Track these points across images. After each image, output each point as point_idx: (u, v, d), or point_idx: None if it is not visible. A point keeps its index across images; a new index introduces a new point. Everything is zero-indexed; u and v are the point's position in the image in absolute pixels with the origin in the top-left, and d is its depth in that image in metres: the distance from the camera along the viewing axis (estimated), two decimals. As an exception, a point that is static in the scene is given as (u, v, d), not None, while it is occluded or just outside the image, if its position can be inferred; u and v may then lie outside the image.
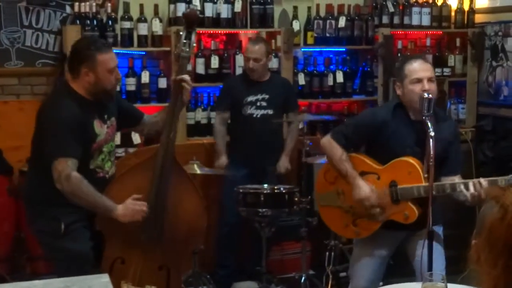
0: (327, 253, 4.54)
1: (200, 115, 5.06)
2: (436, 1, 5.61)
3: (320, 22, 5.39)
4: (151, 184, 3.30)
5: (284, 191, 4.16)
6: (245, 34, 5.26)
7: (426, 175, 3.12)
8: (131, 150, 4.68)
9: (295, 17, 5.36)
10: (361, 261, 3.45)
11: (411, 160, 3.25)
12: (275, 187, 4.21)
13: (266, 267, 4.34)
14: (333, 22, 5.39)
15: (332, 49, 5.55)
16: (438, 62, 5.45)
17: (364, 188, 3.29)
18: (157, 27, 4.91)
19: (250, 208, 4.12)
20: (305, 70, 5.38)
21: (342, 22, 5.39)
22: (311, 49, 5.50)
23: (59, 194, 3.12)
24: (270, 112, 4.67)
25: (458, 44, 5.62)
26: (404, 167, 3.26)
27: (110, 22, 4.77)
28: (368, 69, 5.58)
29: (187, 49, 3.36)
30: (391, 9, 5.46)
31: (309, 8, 5.42)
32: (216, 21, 5.08)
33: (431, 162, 2.97)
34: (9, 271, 4.56)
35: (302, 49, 5.48)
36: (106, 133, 3.29)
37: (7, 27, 4.80)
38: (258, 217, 4.14)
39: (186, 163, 3.97)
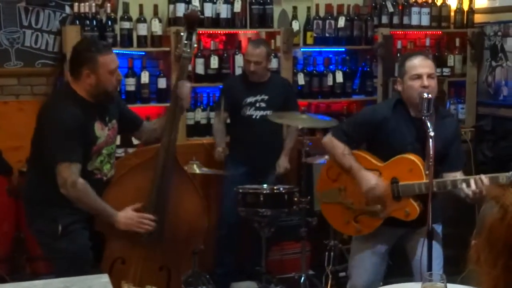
0: (327, 253, 4.54)
1: (199, 115, 5.07)
2: (435, 1, 5.61)
3: (320, 22, 5.39)
4: (152, 184, 3.30)
5: (283, 191, 4.16)
6: (244, 34, 5.26)
7: (427, 172, 3.11)
8: (130, 150, 4.68)
9: (295, 17, 5.36)
10: (360, 259, 3.45)
11: (412, 157, 3.25)
12: (275, 187, 4.21)
13: (265, 267, 4.34)
14: (332, 22, 5.39)
15: (332, 49, 5.55)
16: (438, 62, 5.43)
17: (370, 178, 3.29)
18: (157, 28, 4.91)
19: (249, 208, 4.12)
20: (305, 70, 5.38)
21: (341, 22, 5.39)
22: (310, 49, 5.51)
23: (59, 194, 3.12)
24: (269, 113, 4.67)
25: (457, 44, 5.62)
26: (405, 164, 3.27)
27: (109, 23, 4.77)
28: (368, 69, 5.58)
29: (188, 50, 3.37)
30: (391, 9, 5.46)
31: (308, 8, 5.42)
32: (216, 21, 5.08)
33: (431, 163, 2.97)
34: (9, 271, 4.56)
35: (302, 49, 5.48)
36: (107, 135, 3.29)
37: (6, 28, 4.79)
38: (257, 217, 4.14)
39: (185, 163, 3.97)
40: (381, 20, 5.48)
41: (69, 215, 3.20)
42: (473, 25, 5.61)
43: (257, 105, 4.69)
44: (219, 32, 5.19)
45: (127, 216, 3.22)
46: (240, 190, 4.16)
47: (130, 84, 4.85)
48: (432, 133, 3.00)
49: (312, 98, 5.42)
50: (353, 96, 5.54)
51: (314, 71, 5.42)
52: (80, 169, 3.12)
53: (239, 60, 5.08)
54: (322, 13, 5.42)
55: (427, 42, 5.57)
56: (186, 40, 3.37)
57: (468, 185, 3.09)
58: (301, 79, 5.31)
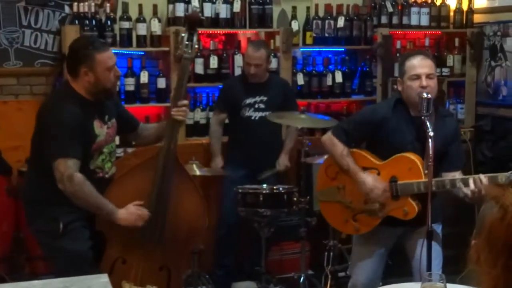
0: (326, 253, 4.54)
1: (199, 115, 5.06)
2: (435, 1, 5.61)
3: (319, 22, 5.39)
4: (152, 184, 3.30)
5: (283, 191, 4.16)
6: (244, 34, 5.26)
7: (426, 171, 3.12)
8: (130, 150, 4.68)
9: (294, 17, 5.36)
10: (361, 258, 3.46)
11: (411, 156, 3.26)
12: (274, 187, 4.21)
13: (265, 267, 4.34)
14: (332, 22, 5.39)
15: (331, 49, 5.55)
16: (437, 62, 5.42)
17: (368, 181, 3.30)
18: (156, 27, 4.90)
19: (249, 208, 4.12)
20: (304, 70, 5.38)
21: (341, 22, 5.38)
22: (310, 49, 5.50)
23: (58, 194, 3.12)
24: (268, 114, 4.68)
25: (457, 44, 5.63)
26: (404, 163, 3.27)
27: (109, 22, 4.77)
28: (367, 69, 5.58)
29: (189, 51, 3.37)
30: (390, 9, 5.46)
31: (308, 8, 5.42)
32: (215, 21, 5.08)
33: (430, 162, 2.97)
34: (8, 271, 4.55)
35: (301, 49, 5.48)
36: (106, 133, 3.29)
37: (5, 27, 4.79)
38: (257, 217, 4.14)
39: (185, 164, 3.97)
40: (380, 20, 5.48)
41: (69, 214, 3.20)
42: (472, 25, 5.62)
43: (256, 106, 4.69)
44: (218, 32, 5.18)
45: (128, 211, 3.22)
46: (240, 190, 4.16)
47: (130, 84, 4.85)
48: (431, 133, 3.00)
49: (312, 98, 5.42)
50: (353, 96, 5.54)
51: (314, 71, 5.42)
52: (78, 165, 3.11)
53: (238, 60, 5.08)
54: (321, 13, 5.42)
55: (427, 42, 5.57)
56: (187, 41, 3.37)
57: (467, 185, 3.09)
58: (300, 79, 5.31)
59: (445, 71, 5.55)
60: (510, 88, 5.31)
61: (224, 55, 5.12)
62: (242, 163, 4.67)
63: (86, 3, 4.72)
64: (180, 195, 3.37)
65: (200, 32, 4.98)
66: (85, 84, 3.19)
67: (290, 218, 4.64)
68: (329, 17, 5.40)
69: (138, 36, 4.90)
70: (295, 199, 4.15)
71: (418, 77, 3.23)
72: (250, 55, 4.60)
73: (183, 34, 3.41)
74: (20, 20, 4.83)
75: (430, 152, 2.96)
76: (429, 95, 3.14)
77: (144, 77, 4.88)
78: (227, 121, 4.83)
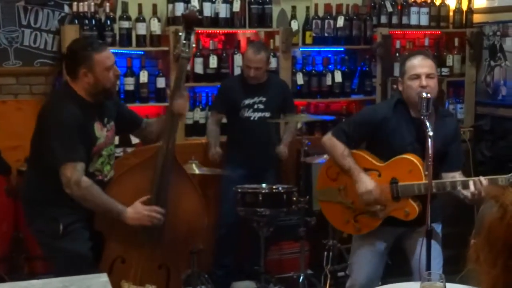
0: (325, 253, 4.54)
1: (198, 115, 5.06)
2: (434, 1, 5.61)
3: (319, 22, 5.39)
4: (151, 183, 3.29)
5: (282, 191, 4.16)
6: (243, 34, 5.26)
7: (426, 173, 3.12)
8: (129, 150, 4.68)
9: (294, 16, 5.36)
10: (360, 257, 3.46)
11: (412, 157, 3.26)
12: (274, 187, 4.21)
13: (264, 266, 4.34)
14: (331, 22, 5.39)
15: (331, 49, 5.55)
16: (437, 62, 5.42)
17: (367, 182, 3.30)
18: (156, 27, 4.91)
19: (248, 207, 4.12)
20: (304, 70, 5.38)
21: (340, 22, 5.39)
22: (309, 49, 5.51)
23: (58, 194, 3.11)
24: (267, 114, 4.68)
25: (456, 44, 5.63)
26: (405, 165, 3.27)
27: (108, 22, 4.77)
28: (367, 68, 5.59)
29: (187, 50, 3.36)
30: (390, 9, 5.46)
31: (307, 8, 5.42)
32: (215, 21, 5.08)
33: (430, 162, 2.97)
34: (8, 271, 4.55)
35: (301, 49, 5.48)
36: (106, 136, 3.28)
37: (5, 27, 4.79)
38: (256, 217, 4.14)
39: (184, 163, 3.97)
40: (380, 20, 5.49)
41: (69, 215, 3.19)
42: (472, 25, 5.62)
43: (255, 106, 4.69)
44: (218, 31, 5.19)
45: (136, 210, 3.21)
46: (239, 190, 4.16)
47: (129, 83, 4.85)
48: (431, 133, 3.00)
49: (311, 97, 5.42)
50: (352, 95, 5.55)
51: (313, 71, 5.42)
52: (84, 168, 3.12)
53: (238, 59, 5.08)
54: (321, 13, 5.42)
55: (426, 42, 5.57)
56: (185, 40, 3.37)
57: (467, 187, 3.10)
58: (300, 79, 5.31)
59: (445, 71, 5.55)
60: (510, 88, 5.31)
61: (224, 54, 5.12)
62: (241, 163, 4.68)
63: (86, 2, 4.72)
64: (179, 194, 3.36)
65: (199, 31, 5.00)
66: (85, 85, 3.19)
67: (290, 217, 4.64)
68: (328, 17, 5.40)
69: (137, 36, 4.91)
70: (294, 198, 4.15)
71: (417, 76, 3.23)
72: (250, 58, 4.59)
73: (180, 33, 3.41)
74: (20, 20, 4.82)
75: (430, 151, 2.97)
76: (429, 95, 3.14)
77: (143, 77, 4.88)
78: (224, 120, 4.83)
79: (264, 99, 4.69)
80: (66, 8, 4.89)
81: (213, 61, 5.04)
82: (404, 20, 5.52)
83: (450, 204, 3.59)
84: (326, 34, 5.40)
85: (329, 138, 3.45)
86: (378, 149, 3.38)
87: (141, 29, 4.89)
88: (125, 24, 4.85)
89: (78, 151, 3.10)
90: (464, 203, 3.21)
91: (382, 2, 5.48)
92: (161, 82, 4.92)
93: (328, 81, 5.40)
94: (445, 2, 5.61)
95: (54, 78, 4.83)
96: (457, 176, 3.26)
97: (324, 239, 4.57)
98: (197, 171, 4.17)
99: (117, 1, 4.92)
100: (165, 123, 3.39)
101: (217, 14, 5.07)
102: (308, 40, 5.39)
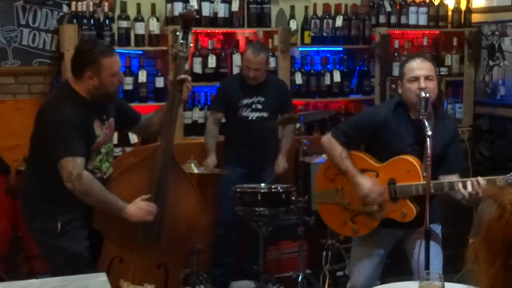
0: (324, 252, 4.54)
1: (197, 115, 5.06)
2: (433, 0, 5.61)
3: (317, 21, 5.39)
4: (150, 183, 3.30)
5: (281, 190, 4.16)
6: (242, 33, 5.26)
7: (425, 174, 3.11)
8: (128, 149, 4.68)
9: (292, 16, 5.36)
10: (360, 259, 3.46)
11: (410, 158, 3.26)
12: (272, 186, 4.22)
13: (263, 266, 4.34)
14: (330, 21, 5.39)
15: (329, 49, 5.55)
16: (435, 61, 5.43)
17: (365, 185, 3.29)
18: (154, 26, 4.90)
19: (247, 207, 4.12)
20: (302, 70, 5.38)
21: (339, 21, 5.39)
22: (308, 49, 5.51)
23: (57, 193, 3.12)
24: (265, 115, 4.69)
25: (455, 43, 5.63)
26: (403, 165, 3.27)
27: (107, 21, 4.76)
28: (365, 68, 5.58)
29: (185, 49, 3.37)
30: (388, 9, 5.46)
31: (306, 7, 5.42)
32: (213, 21, 5.07)
33: (428, 162, 2.97)
34: (6, 270, 4.55)
35: (299, 49, 5.48)
36: (105, 134, 3.28)
37: (4, 26, 4.79)
38: (255, 217, 4.14)
39: (183, 163, 3.97)
40: (378, 20, 5.48)
41: (68, 213, 3.19)
42: (470, 24, 5.62)
43: (254, 106, 4.69)
44: (216, 31, 5.18)
45: (138, 206, 3.21)
46: (238, 189, 4.16)
47: (128, 83, 4.84)
48: (429, 132, 3.00)
49: (310, 97, 5.42)
50: (351, 95, 5.54)
51: (312, 71, 5.42)
52: (84, 163, 3.11)
53: (236, 59, 5.08)
54: (319, 12, 5.42)
55: (425, 41, 5.57)
56: (182, 39, 3.38)
57: (465, 187, 3.09)
58: (298, 79, 5.31)
59: (443, 70, 5.55)
60: (508, 87, 5.31)
61: (222, 54, 5.12)
62: (240, 163, 4.68)
63: (84, 2, 4.71)
64: (178, 193, 3.37)
65: (198, 31, 5.00)
66: (88, 87, 3.19)
67: (288, 217, 4.63)
68: (327, 17, 5.39)
69: (136, 35, 4.90)
70: (293, 198, 4.15)
71: (416, 78, 3.23)
72: (250, 59, 4.59)
73: (178, 33, 3.42)
74: (18, 19, 4.82)
75: (429, 151, 2.97)
76: (427, 94, 3.14)
77: (142, 76, 4.88)
78: (223, 120, 4.83)
79: (262, 99, 4.69)
80: (65, 8, 4.89)
81: (212, 61, 5.04)
82: (403, 19, 5.52)
83: (449, 205, 3.59)
84: (324, 34, 5.40)
85: (328, 139, 3.44)
86: (377, 151, 3.38)
87: (139, 28, 4.89)
88: (124, 23, 4.85)
89: (79, 146, 3.10)
90: (462, 204, 3.21)
91: (381, 2, 5.47)
92: (160, 82, 4.92)
93: (327, 81, 5.40)
94: (444, 1, 5.61)
95: (52, 78, 4.83)
96: (455, 179, 3.26)
97: (323, 239, 4.57)
98: (195, 171, 4.18)
99: (115, 0, 4.91)
100: (164, 118, 3.39)
101: (215, 13, 5.06)
102: (307, 39, 5.39)
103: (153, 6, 4.93)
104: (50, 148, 3.12)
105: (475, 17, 5.64)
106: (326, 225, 4.21)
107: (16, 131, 4.51)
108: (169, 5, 4.97)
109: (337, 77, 5.42)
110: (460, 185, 3.12)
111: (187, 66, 4.41)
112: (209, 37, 5.17)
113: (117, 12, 4.89)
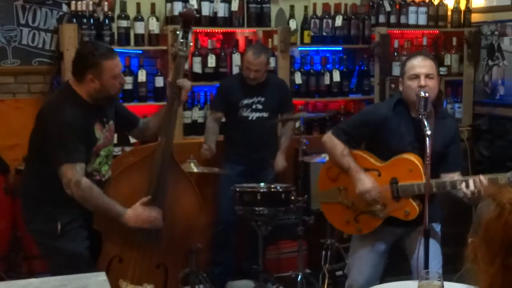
0: (324, 252, 4.54)
1: (196, 114, 5.06)
2: (432, 0, 5.62)
3: (317, 21, 5.39)
4: (149, 182, 3.30)
5: (280, 190, 4.16)
6: (242, 33, 5.26)
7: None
8: (128, 149, 4.68)
9: (292, 16, 5.36)
10: (359, 257, 3.46)
11: (412, 157, 3.26)
12: (272, 186, 4.21)
13: (262, 265, 4.34)
14: (329, 21, 5.39)
15: (329, 48, 5.55)
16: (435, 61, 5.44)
17: (366, 181, 3.30)
18: (154, 26, 4.90)
19: (246, 206, 4.11)
20: (302, 69, 5.38)
21: (338, 21, 5.38)
22: (307, 48, 5.51)
23: (56, 193, 3.12)
24: (265, 115, 4.69)
25: (454, 43, 5.63)
26: (405, 165, 3.27)
27: (106, 21, 4.76)
28: (365, 68, 5.58)
29: (184, 49, 3.37)
30: (388, 8, 5.46)
31: (305, 7, 5.42)
32: (213, 20, 5.07)
33: (428, 161, 2.97)
34: (6, 270, 4.55)
35: (299, 48, 5.48)
36: (105, 137, 3.28)
37: (3, 26, 4.79)
38: (254, 216, 4.13)
39: (182, 162, 3.97)
40: (378, 19, 5.48)
41: (67, 214, 3.19)
42: (470, 24, 5.62)
43: (254, 106, 4.69)
44: (216, 31, 5.18)
45: (136, 213, 3.21)
46: (237, 189, 4.16)
47: (127, 82, 4.83)
48: (428, 132, 3.00)
49: (309, 97, 5.42)
50: (350, 95, 5.54)
51: (311, 70, 5.42)
52: (83, 168, 3.12)
53: (236, 59, 5.08)
54: (319, 12, 5.42)
55: (424, 41, 5.57)
56: (182, 38, 3.37)
57: (467, 186, 3.10)
58: (298, 78, 5.31)
59: (443, 70, 5.54)
60: (508, 87, 5.31)
61: (222, 54, 5.12)
62: (239, 162, 4.68)
63: (84, 1, 4.71)
64: (177, 193, 3.37)
65: (198, 31, 5.00)
66: (89, 90, 3.19)
67: (288, 216, 4.63)
68: (327, 16, 5.40)
69: (136, 35, 4.90)
70: (292, 197, 4.15)
71: (417, 76, 3.24)
72: (251, 61, 4.58)
73: (178, 32, 3.42)
74: (18, 19, 4.82)
75: (428, 150, 2.97)
76: (427, 94, 3.14)
77: (142, 76, 4.88)
78: (223, 119, 4.83)
79: (262, 99, 4.69)
80: (65, 7, 4.89)
81: (212, 61, 5.04)
82: (402, 19, 5.52)
83: (448, 204, 3.59)
84: (324, 34, 5.40)
85: (329, 137, 3.44)
86: (377, 149, 3.38)
87: (139, 28, 4.89)
88: (124, 23, 4.85)
89: (78, 152, 3.11)
90: (461, 203, 3.21)
91: (381, 2, 5.47)
92: (159, 81, 4.91)
93: (326, 81, 5.40)
94: (443, 1, 5.61)
95: (52, 77, 4.83)
96: (456, 177, 3.26)
97: (322, 238, 4.57)
98: (195, 170, 4.17)
99: (115, 0, 4.91)
100: (163, 119, 3.39)
101: (215, 13, 5.06)
102: (307, 39, 5.39)
103: (153, 5, 4.93)
104: (50, 150, 3.12)
105: (475, 17, 5.64)
106: (326, 225, 4.22)
107: (16, 130, 4.52)
108: (168, 5, 4.97)
109: (336, 76, 5.42)
110: (462, 184, 3.12)
111: (186, 66, 4.40)
112: (208, 37, 5.17)
113: (117, 11, 4.89)
